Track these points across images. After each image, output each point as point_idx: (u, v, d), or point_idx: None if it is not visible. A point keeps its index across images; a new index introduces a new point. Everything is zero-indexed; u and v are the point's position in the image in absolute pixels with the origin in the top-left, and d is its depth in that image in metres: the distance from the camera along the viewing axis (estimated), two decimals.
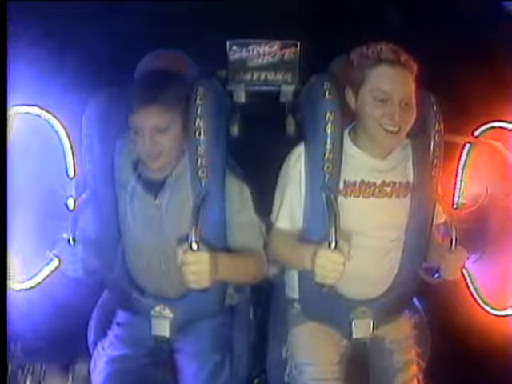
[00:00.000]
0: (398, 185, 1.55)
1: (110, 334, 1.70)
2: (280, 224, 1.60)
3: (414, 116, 1.45)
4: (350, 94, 1.50)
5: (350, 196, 1.53)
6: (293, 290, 1.68)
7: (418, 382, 1.60)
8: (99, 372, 1.62)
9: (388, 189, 1.55)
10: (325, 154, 1.48)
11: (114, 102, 1.54)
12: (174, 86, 1.49)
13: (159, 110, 1.44)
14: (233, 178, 1.59)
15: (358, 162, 1.53)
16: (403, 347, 1.65)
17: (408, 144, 1.59)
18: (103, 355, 1.65)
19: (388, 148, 1.52)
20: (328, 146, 1.48)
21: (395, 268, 1.62)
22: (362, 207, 1.54)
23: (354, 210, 1.52)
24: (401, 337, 1.66)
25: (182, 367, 1.63)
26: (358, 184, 1.53)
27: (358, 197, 1.54)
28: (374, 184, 1.54)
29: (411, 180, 1.57)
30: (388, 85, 1.41)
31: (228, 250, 1.57)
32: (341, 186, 1.53)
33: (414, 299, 1.77)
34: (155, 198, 1.56)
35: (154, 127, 1.45)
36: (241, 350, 1.69)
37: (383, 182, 1.54)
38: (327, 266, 1.36)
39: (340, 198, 1.52)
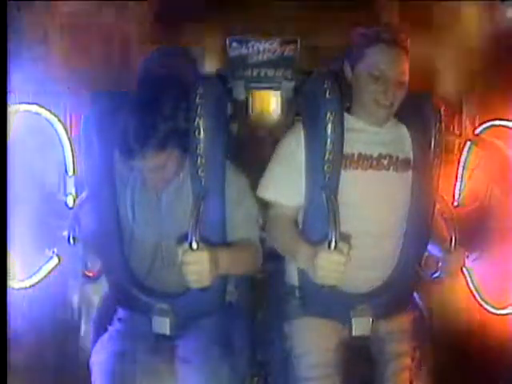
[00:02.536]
0: (394, 159, 1.59)
1: (111, 328, 1.70)
2: (265, 194, 1.63)
3: (405, 92, 1.52)
4: (347, 68, 1.58)
5: (350, 168, 1.55)
6: (293, 280, 1.68)
7: (410, 374, 1.57)
8: (99, 367, 1.62)
9: (385, 161, 1.58)
10: (325, 155, 1.48)
11: (114, 102, 1.53)
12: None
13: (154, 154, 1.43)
14: (231, 170, 1.59)
15: (354, 135, 1.55)
16: (397, 339, 1.63)
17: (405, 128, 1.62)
18: (103, 350, 1.65)
19: (381, 119, 1.57)
20: (328, 146, 1.48)
21: (395, 256, 1.62)
22: (361, 179, 1.56)
23: (353, 183, 1.54)
24: (395, 329, 1.65)
25: (182, 363, 1.63)
26: (355, 156, 1.56)
27: (357, 169, 1.57)
28: (371, 156, 1.57)
29: (411, 157, 1.60)
30: (384, 63, 1.50)
31: (226, 242, 1.57)
32: None
33: (415, 295, 1.77)
34: (156, 195, 1.56)
35: (153, 167, 1.46)
36: (241, 346, 1.68)
37: (380, 155, 1.58)
38: (327, 267, 1.36)
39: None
